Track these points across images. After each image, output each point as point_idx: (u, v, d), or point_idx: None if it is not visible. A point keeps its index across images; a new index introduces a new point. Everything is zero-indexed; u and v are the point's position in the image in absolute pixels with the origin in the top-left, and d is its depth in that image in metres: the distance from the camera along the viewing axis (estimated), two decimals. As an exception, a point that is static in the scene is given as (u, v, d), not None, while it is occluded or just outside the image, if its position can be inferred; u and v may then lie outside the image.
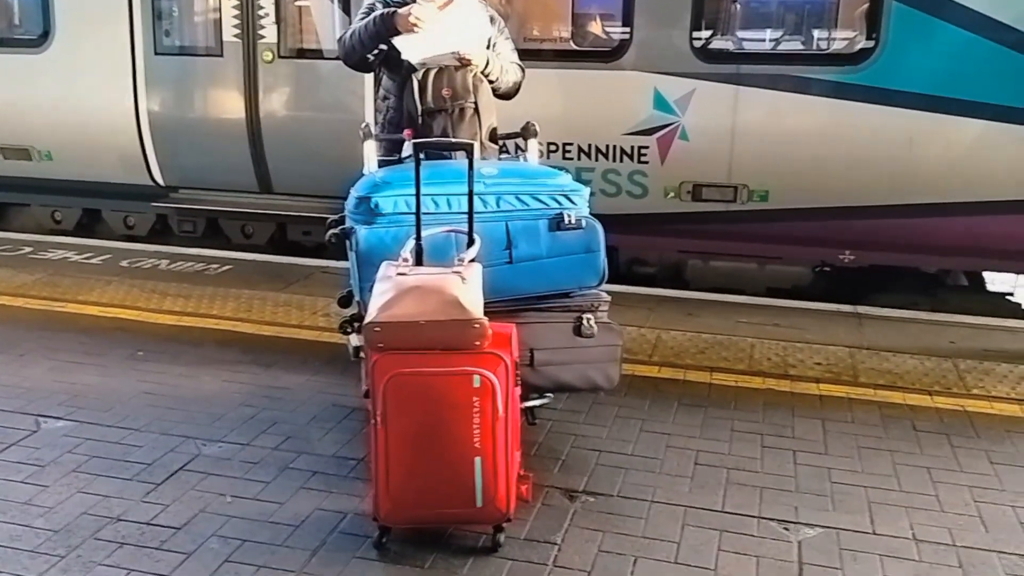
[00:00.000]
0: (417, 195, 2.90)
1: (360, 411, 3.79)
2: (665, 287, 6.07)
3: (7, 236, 7.07)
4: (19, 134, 7.10)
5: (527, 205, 3.24)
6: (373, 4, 4.00)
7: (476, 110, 3.81)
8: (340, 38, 3.99)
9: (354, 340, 3.52)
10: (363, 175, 3.61)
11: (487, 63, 3.88)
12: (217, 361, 4.43)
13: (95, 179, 7.07)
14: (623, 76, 5.82)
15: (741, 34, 5.85)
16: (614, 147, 5.93)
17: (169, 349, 4.58)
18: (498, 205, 3.21)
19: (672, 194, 5.91)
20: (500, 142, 3.97)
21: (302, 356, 4.52)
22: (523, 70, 4.15)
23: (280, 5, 6.36)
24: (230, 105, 6.61)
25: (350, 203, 3.28)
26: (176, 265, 6.23)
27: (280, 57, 6.42)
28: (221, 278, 5.95)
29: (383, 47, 3.83)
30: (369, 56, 3.89)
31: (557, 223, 3.24)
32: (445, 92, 3.78)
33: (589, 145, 5.96)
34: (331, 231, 3.21)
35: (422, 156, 2.88)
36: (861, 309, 5.52)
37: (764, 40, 5.88)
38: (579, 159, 5.98)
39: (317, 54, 6.57)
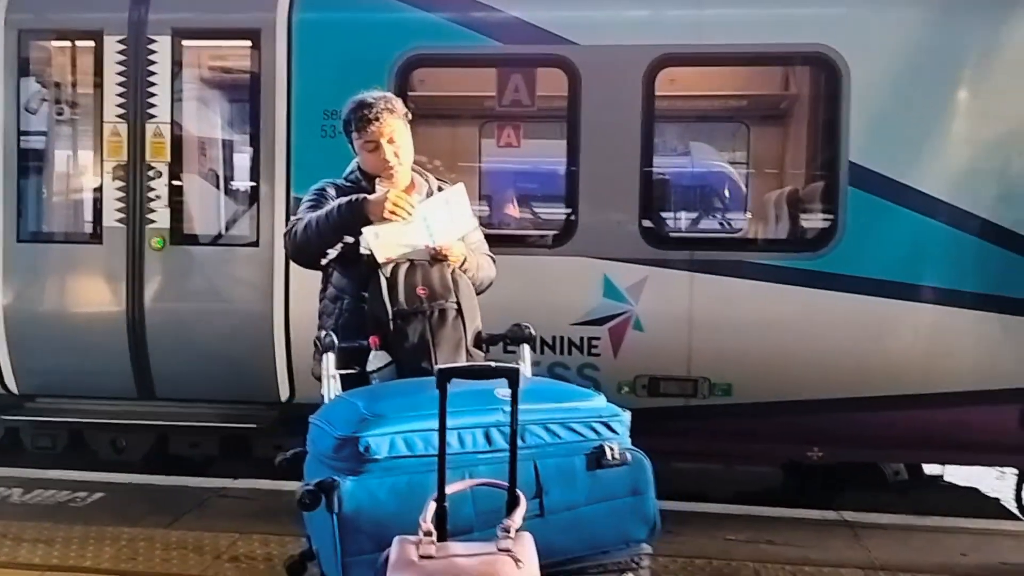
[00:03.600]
0: (442, 439, 2.13)
1: None
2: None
3: None
4: None
5: (559, 437, 2.51)
6: (323, 189, 3.35)
7: (459, 311, 3.13)
8: (289, 231, 3.27)
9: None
10: (324, 401, 2.82)
11: (465, 258, 3.26)
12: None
13: (-73, 388, 5.82)
14: (570, 262, 5.33)
15: (694, 218, 5.53)
16: (562, 338, 5.35)
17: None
18: (523, 439, 2.46)
19: (627, 389, 5.33)
20: (484, 347, 3.28)
21: (214, 627, 3.47)
22: (495, 262, 3.55)
23: (175, 185, 5.59)
24: (109, 299, 5.63)
25: (325, 445, 2.46)
26: (34, 496, 5.02)
27: (172, 243, 5.58)
28: (92, 511, 4.80)
29: (348, 240, 3.14)
30: (329, 251, 3.18)
31: (597, 459, 2.52)
32: (421, 291, 3.09)
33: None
34: (302, 494, 2.32)
35: (447, 385, 2.13)
36: (849, 516, 4.97)
37: (719, 224, 5.58)
38: (523, 352, 5.34)
39: (217, 240, 5.79)
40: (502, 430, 2.43)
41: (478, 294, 3.40)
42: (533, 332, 3.23)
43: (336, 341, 2.94)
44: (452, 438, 2.39)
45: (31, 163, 5.76)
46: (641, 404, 5.27)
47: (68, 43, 5.88)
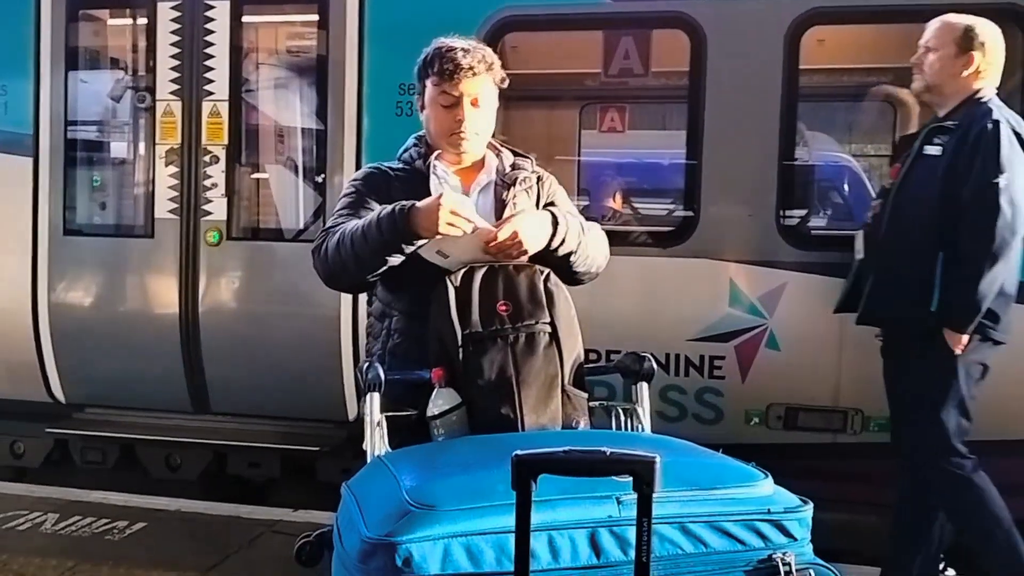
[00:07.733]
0: (521, 555, 1.28)
1: None
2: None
3: None
4: None
5: (705, 545, 1.63)
6: (364, 179, 2.55)
7: (554, 335, 2.28)
8: (318, 247, 2.46)
9: None
10: (366, 458, 2.02)
11: (554, 231, 2.36)
12: None
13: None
14: (687, 264, 4.42)
15: (845, 211, 4.53)
16: (677, 356, 4.44)
17: None
18: (657, 547, 1.59)
19: (756, 420, 4.40)
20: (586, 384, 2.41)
21: None
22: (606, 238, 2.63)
23: (233, 173, 4.91)
24: (160, 299, 5.03)
25: (351, 544, 1.64)
26: (68, 524, 4.41)
27: (230, 239, 4.91)
28: (128, 546, 4.16)
29: (394, 262, 2.31)
30: (370, 277, 2.38)
31: (766, 580, 1.63)
32: (502, 307, 2.25)
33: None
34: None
35: (533, 484, 1.28)
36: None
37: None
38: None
39: (278, 235, 5.11)
40: (616, 532, 1.57)
41: (584, 278, 2.52)
42: (654, 366, 2.34)
43: (382, 376, 2.13)
44: (540, 545, 1.54)
45: (79, 148, 5.20)
46: (775, 439, 4.43)
47: (121, 14, 5.28)
